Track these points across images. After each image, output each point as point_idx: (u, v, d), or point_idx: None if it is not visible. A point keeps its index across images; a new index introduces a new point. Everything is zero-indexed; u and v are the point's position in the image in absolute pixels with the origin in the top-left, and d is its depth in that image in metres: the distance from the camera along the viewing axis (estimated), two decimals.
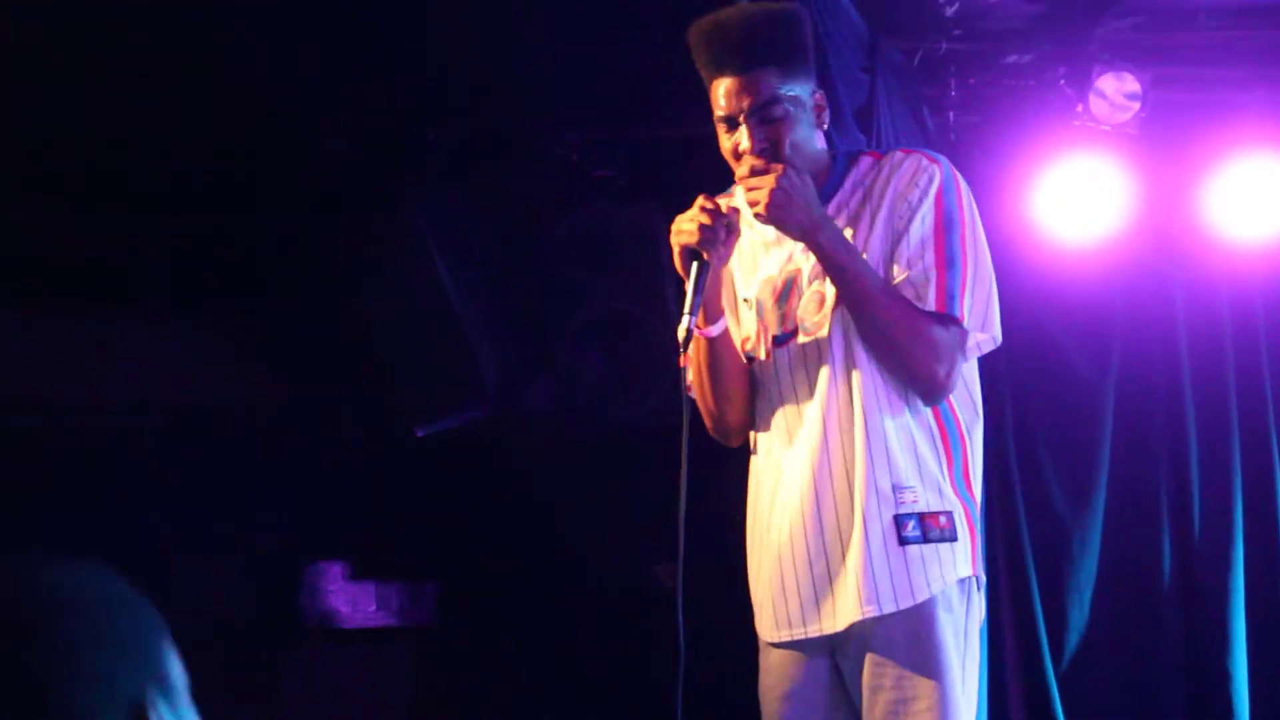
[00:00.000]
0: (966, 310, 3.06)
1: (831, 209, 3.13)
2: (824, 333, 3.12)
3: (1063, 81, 5.60)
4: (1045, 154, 5.78)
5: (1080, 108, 5.51)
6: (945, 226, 3.06)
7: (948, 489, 3.04)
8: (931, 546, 2.98)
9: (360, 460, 6.07)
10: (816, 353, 3.12)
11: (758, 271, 3.30)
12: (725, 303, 3.29)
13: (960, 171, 3.19)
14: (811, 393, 3.10)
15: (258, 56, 4.94)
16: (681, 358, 3.13)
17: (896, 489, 3.00)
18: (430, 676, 6.32)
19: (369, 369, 5.73)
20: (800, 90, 3.12)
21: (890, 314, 3.03)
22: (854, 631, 3.02)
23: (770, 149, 3.10)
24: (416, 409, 5.67)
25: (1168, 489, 6.12)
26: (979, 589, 3.09)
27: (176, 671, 1.48)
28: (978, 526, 3.10)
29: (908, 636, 2.97)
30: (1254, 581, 6.03)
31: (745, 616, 3.32)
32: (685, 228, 3.11)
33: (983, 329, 3.13)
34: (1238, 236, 5.91)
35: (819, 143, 3.20)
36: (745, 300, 3.31)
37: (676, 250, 3.13)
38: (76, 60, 4.92)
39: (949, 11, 5.37)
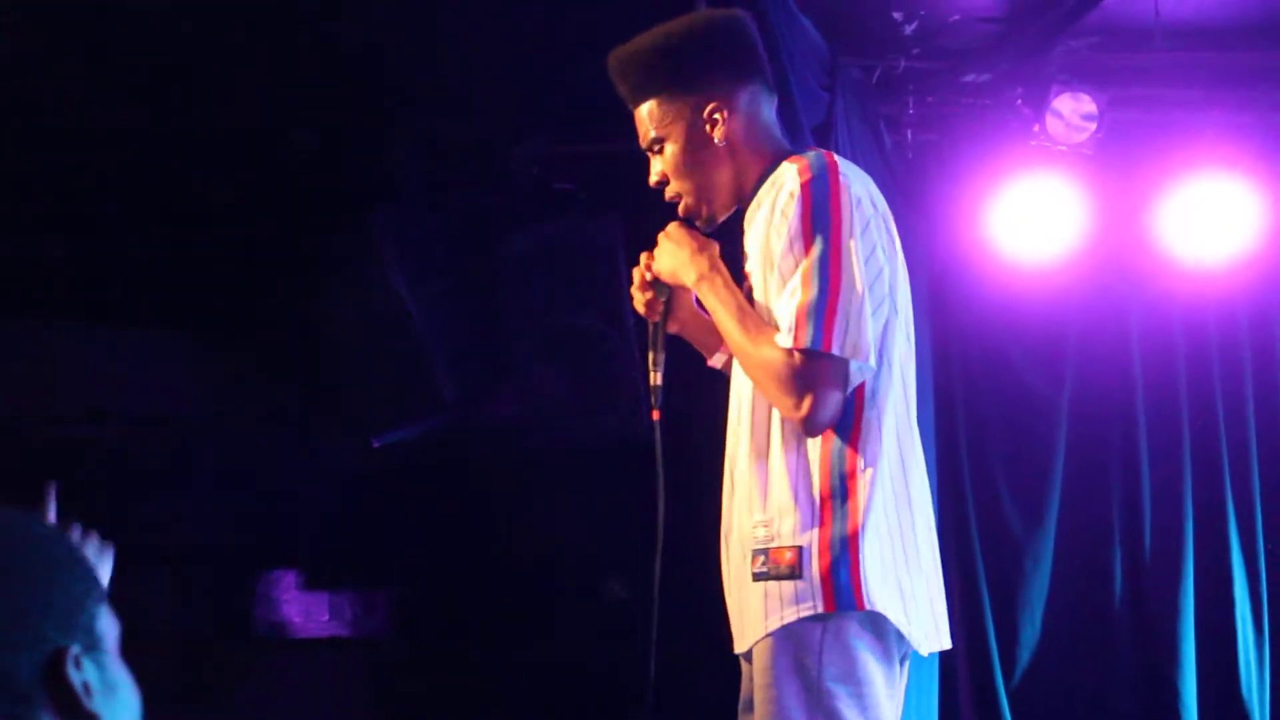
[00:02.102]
0: (834, 340, 2.87)
1: (749, 212, 3.12)
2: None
3: (1020, 101, 5.64)
4: (1002, 173, 5.82)
5: (1037, 127, 5.55)
6: (809, 248, 2.89)
7: (809, 525, 2.92)
8: (775, 583, 2.96)
9: (314, 470, 6.05)
10: (739, 376, 3.13)
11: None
12: None
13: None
14: (738, 416, 3.11)
15: (219, 66, 4.93)
16: (653, 412, 3.17)
17: (761, 524, 2.99)
18: (383, 687, 6.30)
19: (325, 379, 5.72)
20: (685, 109, 3.08)
21: (744, 352, 2.98)
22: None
23: (665, 182, 3.14)
24: (373, 419, 5.66)
25: (1120, 507, 6.16)
26: (867, 626, 2.91)
27: (104, 627, 1.55)
28: (852, 561, 2.89)
29: (759, 666, 2.99)
30: (1203, 598, 6.08)
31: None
32: (634, 294, 3.22)
33: (857, 354, 2.89)
34: (1192, 257, 5.96)
35: (722, 156, 3.09)
36: None
37: None
38: (40, 67, 4.90)
39: (908, 30, 5.40)
